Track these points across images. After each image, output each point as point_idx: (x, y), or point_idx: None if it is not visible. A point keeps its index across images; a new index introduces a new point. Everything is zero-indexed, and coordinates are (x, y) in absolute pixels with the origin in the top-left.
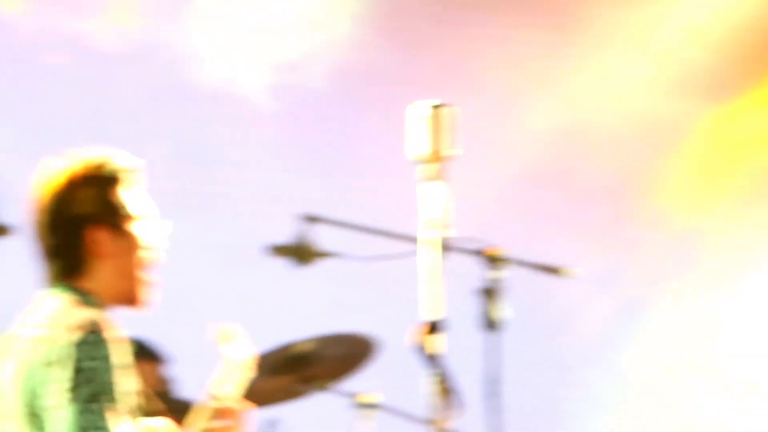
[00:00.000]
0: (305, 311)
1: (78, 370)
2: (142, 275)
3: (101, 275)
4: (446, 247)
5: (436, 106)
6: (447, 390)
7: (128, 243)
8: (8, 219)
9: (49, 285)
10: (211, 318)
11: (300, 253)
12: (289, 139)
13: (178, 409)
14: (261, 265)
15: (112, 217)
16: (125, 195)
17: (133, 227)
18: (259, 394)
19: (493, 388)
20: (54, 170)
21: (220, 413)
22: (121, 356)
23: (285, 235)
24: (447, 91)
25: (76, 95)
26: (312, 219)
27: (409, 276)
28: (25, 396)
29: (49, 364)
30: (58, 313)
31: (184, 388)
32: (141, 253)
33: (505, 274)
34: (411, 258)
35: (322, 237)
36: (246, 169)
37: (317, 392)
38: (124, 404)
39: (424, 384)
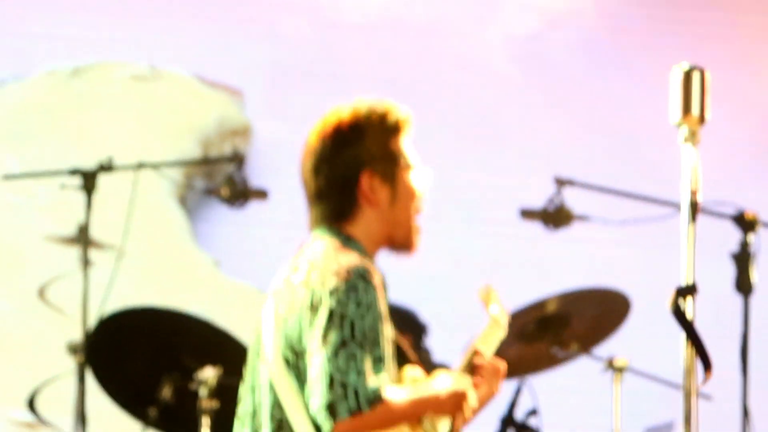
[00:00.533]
0: (557, 275)
1: (331, 316)
2: (412, 222)
3: (369, 221)
4: (700, 211)
5: (689, 70)
6: (698, 353)
7: (402, 191)
8: (267, 183)
9: (313, 228)
10: (463, 279)
11: (553, 216)
12: (540, 105)
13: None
14: (515, 228)
15: (390, 164)
16: (404, 143)
17: (407, 175)
18: (515, 360)
19: (744, 351)
20: (337, 113)
21: (474, 369)
22: (381, 304)
23: (540, 198)
24: (697, 54)
25: (317, 62)
26: (565, 182)
27: (663, 240)
28: (283, 339)
29: (309, 308)
30: (321, 257)
31: (437, 354)
32: (412, 201)
33: (759, 238)
34: (664, 222)
35: (576, 200)
36: (501, 132)
37: (573, 357)
38: (380, 352)
39: (676, 347)
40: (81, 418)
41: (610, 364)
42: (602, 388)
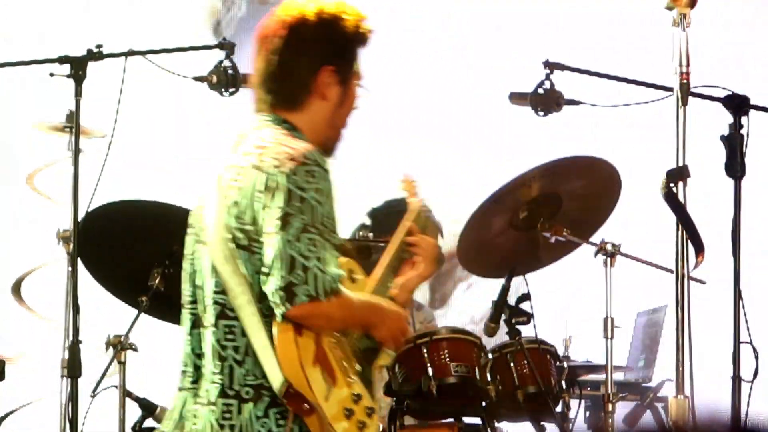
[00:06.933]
0: (548, 158)
1: (291, 199)
2: (343, 129)
3: (316, 115)
4: (691, 94)
5: None
6: (690, 237)
7: (350, 97)
8: None
9: (260, 113)
10: (455, 160)
11: (542, 100)
12: None
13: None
14: (503, 111)
15: (349, 69)
16: (361, 53)
17: (355, 85)
18: (510, 250)
19: (735, 234)
20: (311, 4)
21: (409, 246)
22: (333, 188)
23: (530, 82)
24: None
25: None
26: (555, 66)
27: (654, 123)
28: (234, 221)
29: (264, 190)
30: (272, 142)
31: None
32: (351, 111)
33: (749, 120)
34: (655, 105)
35: (565, 85)
36: (491, 18)
37: (568, 250)
38: (336, 240)
39: (667, 230)
40: (74, 306)
41: (602, 249)
42: (595, 273)
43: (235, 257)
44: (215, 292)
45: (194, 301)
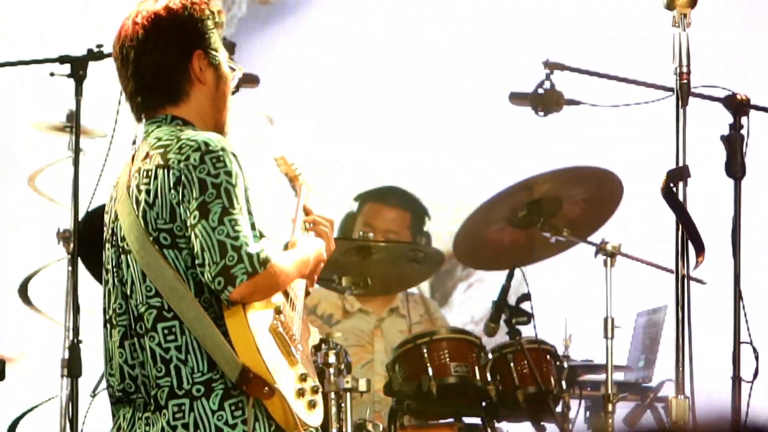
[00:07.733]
0: (548, 159)
1: (205, 188)
2: (226, 111)
3: (201, 102)
4: (691, 94)
5: None
6: (690, 237)
7: (223, 76)
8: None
9: (148, 117)
10: (455, 160)
11: (543, 100)
12: None
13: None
14: (503, 111)
15: (212, 48)
16: (219, 34)
17: (224, 64)
18: (508, 247)
19: (735, 234)
20: (160, 2)
21: (311, 226)
22: (242, 169)
23: (530, 82)
24: None
25: None
26: (555, 66)
27: (654, 123)
28: (152, 224)
29: (175, 185)
30: (171, 140)
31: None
32: (228, 90)
33: (749, 120)
34: (656, 105)
35: (566, 85)
36: (491, 18)
37: (567, 246)
38: (252, 220)
39: (667, 230)
40: (74, 306)
41: (602, 249)
42: (595, 273)
43: (164, 258)
44: (149, 297)
45: (123, 313)
